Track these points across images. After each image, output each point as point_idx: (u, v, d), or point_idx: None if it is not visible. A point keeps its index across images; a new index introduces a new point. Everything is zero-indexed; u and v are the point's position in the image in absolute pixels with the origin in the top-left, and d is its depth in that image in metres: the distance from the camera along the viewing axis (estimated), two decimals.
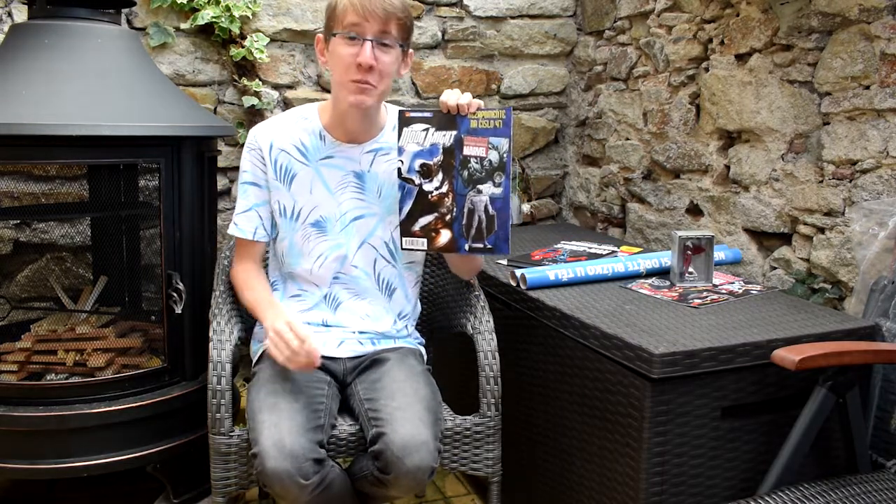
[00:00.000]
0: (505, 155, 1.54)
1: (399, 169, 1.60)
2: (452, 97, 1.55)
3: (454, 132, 1.56)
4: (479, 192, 1.56)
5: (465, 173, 1.56)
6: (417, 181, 1.59)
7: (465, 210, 1.57)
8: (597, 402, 1.60)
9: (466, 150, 1.56)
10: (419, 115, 1.59)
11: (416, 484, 1.45)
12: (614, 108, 2.82)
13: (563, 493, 1.76)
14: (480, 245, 1.57)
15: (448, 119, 1.57)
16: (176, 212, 1.90)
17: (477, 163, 1.55)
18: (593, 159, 3.00)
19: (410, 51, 1.65)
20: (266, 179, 1.67)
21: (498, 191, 1.55)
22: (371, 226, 1.69)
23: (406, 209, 1.61)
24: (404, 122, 1.59)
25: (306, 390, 1.54)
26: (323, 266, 1.69)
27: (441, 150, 1.57)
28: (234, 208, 1.72)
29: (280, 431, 1.41)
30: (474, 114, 1.55)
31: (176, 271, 1.91)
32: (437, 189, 1.59)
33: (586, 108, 3.00)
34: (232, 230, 1.71)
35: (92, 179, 2.23)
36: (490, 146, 1.54)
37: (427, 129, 1.58)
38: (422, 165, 1.59)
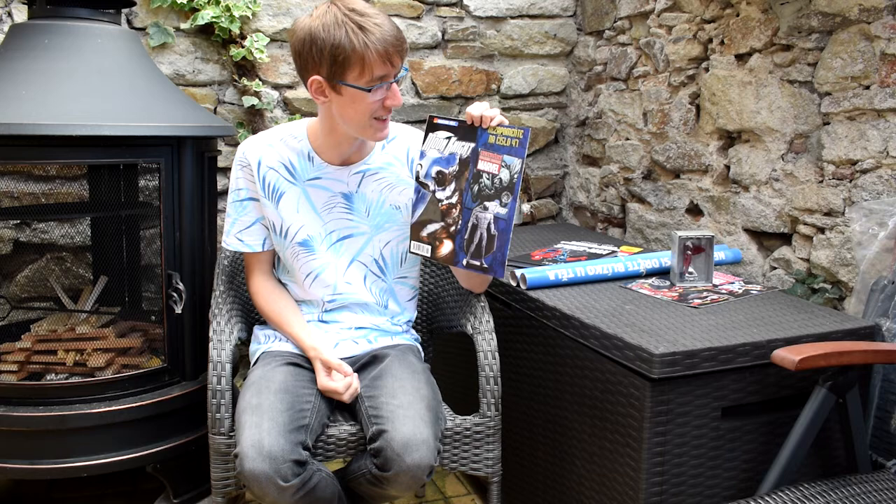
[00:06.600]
0: (516, 175, 1.52)
1: (417, 172, 1.60)
2: (477, 109, 1.56)
3: (472, 144, 1.56)
4: (486, 208, 1.55)
5: (476, 188, 1.56)
6: (431, 187, 1.59)
7: (469, 224, 1.56)
8: (597, 402, 1.60)
9: (480, 165, 1.55)
10: (446, 122, 1.60)
11: (414, 482, 1.45)
12: (614, 108, 2.82)
13: (563, 493, 1.76)
14: (477, 263, 1.56)
15: (470, 130, 1.56)
16: (176, 212, 1.90)
17: (488, 179, 1.54)
18: (593, 159, 3.00)
19: None
20: (258, 194, 1.68)
21: (503, 211, 1.53)
22: (360, 244, 1.70)
23: (418, 213, 1.61)
24: (431, 127, 1.60)
25: (293, 390, 1.53)
26: (313, 285, 1.70)
27: (457, 161, 1.57)
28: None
29: (260, 432, 1.39)
30: (494, 129, 1.54)
31: (176, 271, 1.91)
32: (447, 198, 1.58)
33: (586, 108, 3.00)
34: (238, 247, 1.71)
35: (92, 179, 2.23)
36: (503, 164, 1.53)
37: (450, 138, 1.58)
38: (438, 173, 1.59)
